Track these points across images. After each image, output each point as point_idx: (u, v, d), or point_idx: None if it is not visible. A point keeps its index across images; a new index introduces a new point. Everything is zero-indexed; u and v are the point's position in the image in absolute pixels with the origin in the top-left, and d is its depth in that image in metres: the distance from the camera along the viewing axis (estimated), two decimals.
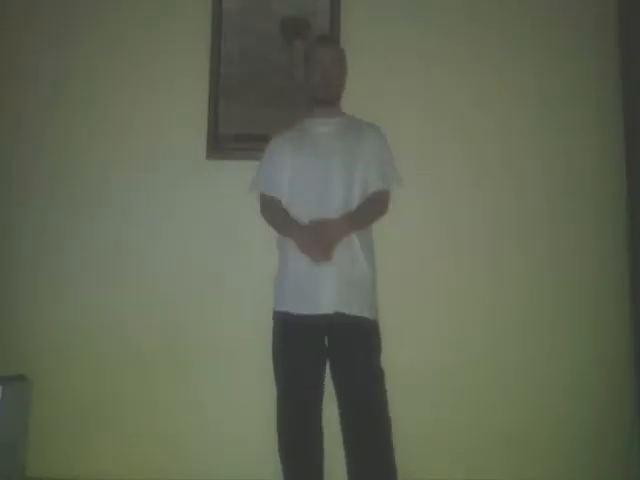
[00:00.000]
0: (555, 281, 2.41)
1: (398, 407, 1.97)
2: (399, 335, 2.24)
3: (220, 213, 2.48)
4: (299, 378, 1.96)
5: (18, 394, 2.30)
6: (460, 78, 2.51)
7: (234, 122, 2.51)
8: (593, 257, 2.42)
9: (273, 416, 1.98)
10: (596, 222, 2.44)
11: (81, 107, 2.57)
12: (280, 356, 1.99)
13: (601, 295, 2.40)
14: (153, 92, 2.55)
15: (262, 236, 2.17)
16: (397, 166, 2.11)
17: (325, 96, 2.09)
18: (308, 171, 2.02)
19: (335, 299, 1.91)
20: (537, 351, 2.37)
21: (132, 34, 2.58)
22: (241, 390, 2.36)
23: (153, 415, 2.38)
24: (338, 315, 1.90)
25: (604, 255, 2.42)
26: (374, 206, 2.05)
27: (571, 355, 2.36)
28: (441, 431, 2.33)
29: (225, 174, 2.47)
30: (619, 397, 2.33)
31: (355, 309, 1.92)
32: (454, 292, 2.40)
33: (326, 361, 1.98)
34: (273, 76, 2.52)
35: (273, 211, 2.07)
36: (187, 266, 2.45)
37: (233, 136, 2.50)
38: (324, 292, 1.91)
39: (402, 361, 2.23)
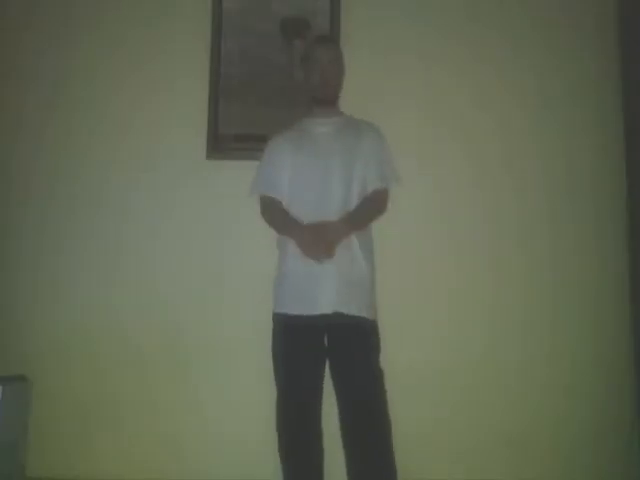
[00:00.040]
0: (555, 281, 2.41)
1: (398, 407, 1.97)
2: (399, 335, 2.24)
3: (220, 213, 2.48)
4: (299, 379, 1.96)
5: (18, 394, 2.30)
6: (460, 78, 2.51)
7: (234, 122, 2.51)
8: (593, 257, 2.42)
9: (273, 416, 1.98)
10: (596, 222, 2.44)
11: (81, 107, 2.57)
12: (279, 357, 1.99)
13: (601, 295, 2.40)
14: (153, 92, 2.55)
15: (262, 236, 2.17)
16: (396, 165, 2.11)
17: (324, 96, 2.10)
18: (308, 171, 2.02)
19: (334, 299, 1.91)
20: (537, 351, 2.37)
21: (132, 34, 2.58)
22: (241, 390, 2.36)
23: (153, 415, 2.38)
24: (337, 315, 1.91)
25: (604, 255, 2.42)
26: (373, 206, 2.05)
27: (571, 355, 2.36)
28: (441, 431, 2.33)
29: (225, 174, 2.47)
30: (619, 397, 2.33)
31: (354, 309, 1.92)
32: (454, 292, 2.40)
33: (325, 361, 1.98)
34: (273, 76, 2.52)
35: (273, 212, 2.07)
36: (187, 266, 2.45)
37: (233, 136, 2.50)
38: (323, 292, 1.91)
39: (402, 361, 2.23)
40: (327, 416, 1.98)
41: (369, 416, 1.90)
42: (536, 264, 2.42)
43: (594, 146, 2.47)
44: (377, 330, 2.00)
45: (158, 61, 2.57)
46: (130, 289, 2.46)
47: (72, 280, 2.47)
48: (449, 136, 2.48)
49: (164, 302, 2.44)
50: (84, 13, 2.61)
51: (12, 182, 2.54)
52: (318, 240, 1.91)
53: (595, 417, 2.32)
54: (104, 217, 2.50)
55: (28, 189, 2.53)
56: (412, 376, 2.29)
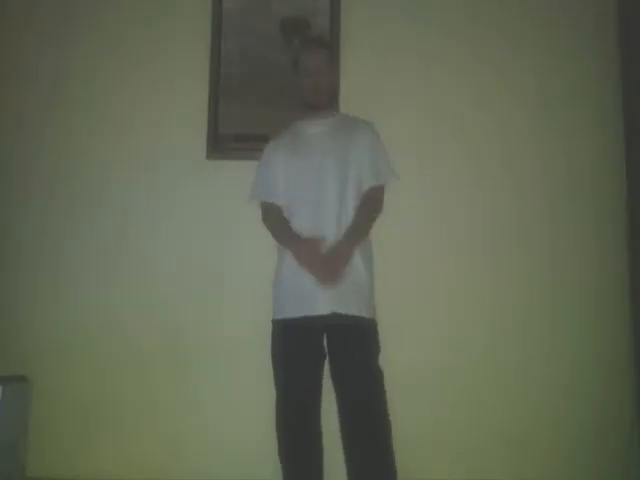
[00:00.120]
0: (555, 281, 2.41)
1: (398, 407, 1.97)
2: (399, 335, 2.24)
3: (220, 213, 2.48)
4: (298, 380, 1.96)
5: (18, 394, 2.30)
6: (460, 78, 2.51)
7: (234, 122, 2.51)
8: (593, 257, 2.42)
9: (273, 416, 1.98)
10: (596, 222, 2.44)
11: (81, 107, 2.57)
12: (279, 358, 1.99)
13: (601, 295, 2.40)
14: (153, 92, 2.55)
15: (262, 236, 2.17)
16: (391, 160, 2.09)
17: (316, 102, 2.09)
18: (303, 172, 2.03)
19: (332, 299, 1.91)
20: (537, 351, 2.36)
21: (132, 34, 2.58)
22: (241, 390, 2.36)
23: (153, 415, 2.38)
24: (335, 315, 1.90)
25: (604, 255, 2.42)
26: (369, 210, 2.04)
27: (571, 355, 2.36)
28: (441, 431, 2.32)
29: (225, 174, 2.47)
30: (619, 397, 2.33)
31: (352, 309, 1.92)
32: (454, 292, 2.40)
33: (324, 362, 1.98)
34: (273, 76, 2.52)
35: (273, 225, 2.08)
36: (187, 266, 2.45)
37: (233, 136, 2.50)
38: (320, 293, 1.91)
39: (402, 361, 2.23)
40: (327, 416, 1.98)
41: (369, 416, 1.90)
42: (536, 264, 2.42)
43: (594, 146, 2.47)
44: (376, 330, 2.00)
45: (158, 61, 2.57)
46: (130, 289, 2.46)
47: (72, 280, 2.47)
48: (449, 136, 2.48)
49: (164, 302, 2.44)
50: (84, 13, 2.61)
51: (12, 182, 2.54)
52: (315, 257, 1.91)
53: (595, 417, 2.32)
54: (104, 217, 2.50)
55: (28, 189, 2.54)
56: (412, 376, 2.29)
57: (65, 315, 2.46)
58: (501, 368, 2.36)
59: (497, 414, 2.34)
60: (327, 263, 1.90)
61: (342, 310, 1.91)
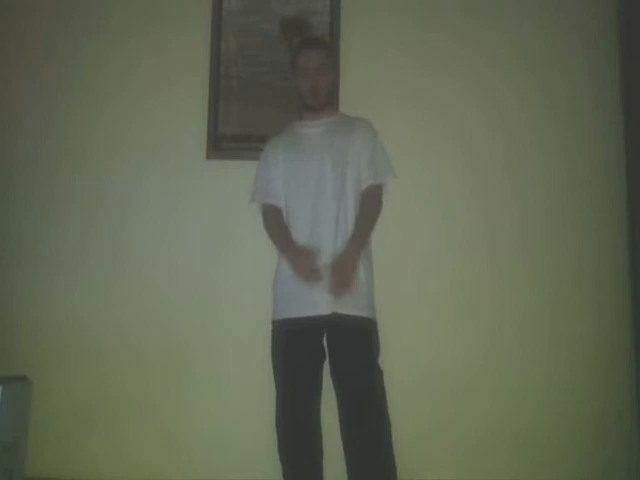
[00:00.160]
0: (555, 281, 2.41)
1: (398, 407, 1.97)
2: (399, 335, 2.24)
3: (220, 213, 2.48)
4: (298, 380, 1.96)
5: (18, 394, 2.29)
6: (460, 78, 2.51)
7: (234, 122, 2.51)
8: (593, 257, 2.41)
9: (273, 416, 1.98)
10: (596, 222, 2.43)
11: (81, 107, 2.56)
12: (278, 358, 1.99)
13: (601, 295, 2.40)
14: (153, 92, 2.55)
15: (262, 236, 2.17)
16: (390, 157, 2.09)
17: (313, 104, 2.08)
18: (301, 173, 2.03)
19: (331, 299, 1.91)
20: (537, 351, 2.37)
21: (132, 34, 2.58)
22: (241, 390, 2.36)
23: (153, 415, 2.38)
24: (335, 316, 1.91)
25: (604, 255, 2.42)
26: (369, 212, 2.03)
27: (571, 355, 2.36)
28: (441, 431, 2.32)
29: (225, 174, 2.47)
30: (619, 397, 2.33)
31: (352, 309, 1.92)
32: (454, 292, 2.40)
33: (324, 362, 1.98)
34: (273, 76, 2.52)
35: (271, 231, 2.09)
36: (187, 266, 2.45)
37: (233, 136, 2.50)
38: (320, 293, 1.91)
39: (402, 361, 2.23)
40: (327, 415, 1.98)
41: (368, 416, 1.90)
42: (536, 264, 2.41)
43: (594, 146, 2.47)
44: (376, 329, 2.00)
45: (158, 61, 2.57)
46: (130, 289, 2.46)
47: (72, 280, 2.47)
48: (449, 136, 2.48)
49: (164, 302, 2.44)
50: (84, 13, 2.61)
51: (12, 182, 2.53)
52: (309, 268, 1.91)
53: (595, 417, 2.32)
54: (104, 217, 2.50)
55: (28, 189, 2.53)
56: (412, 376, 2.29)
57: (65, 315, 2.45)
58: (501, 368, 2.36)
59: (497, 414, 2.33)
60: (336, 272, 1.90)
61: (342, 310, 1.91)
